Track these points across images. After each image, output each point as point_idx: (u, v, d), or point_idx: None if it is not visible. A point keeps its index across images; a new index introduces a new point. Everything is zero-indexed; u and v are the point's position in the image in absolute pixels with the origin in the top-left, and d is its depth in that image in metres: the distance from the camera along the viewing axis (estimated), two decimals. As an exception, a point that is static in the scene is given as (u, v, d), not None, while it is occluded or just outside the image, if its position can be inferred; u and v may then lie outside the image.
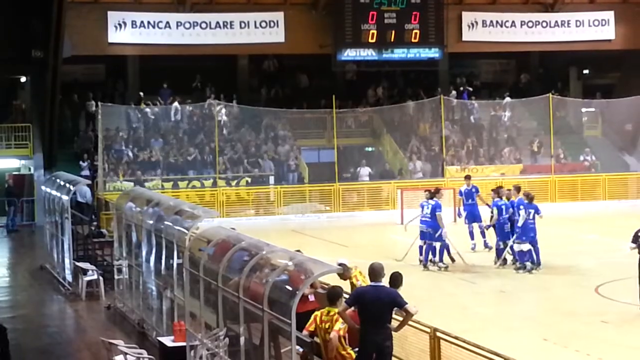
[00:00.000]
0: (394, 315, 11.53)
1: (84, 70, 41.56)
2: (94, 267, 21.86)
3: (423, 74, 44.40)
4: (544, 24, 42.30)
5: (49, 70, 34.81)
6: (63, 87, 37.45)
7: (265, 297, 10.98)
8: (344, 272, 13.39)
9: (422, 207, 23.51)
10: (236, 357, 12.03)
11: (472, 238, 25.60)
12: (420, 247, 23.31)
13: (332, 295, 11.68)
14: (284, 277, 11.43)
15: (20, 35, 34.46)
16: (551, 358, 15.12)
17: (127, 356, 13.52)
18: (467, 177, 27.53)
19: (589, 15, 42.68)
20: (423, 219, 23.22)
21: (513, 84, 46.05)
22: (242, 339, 11.88)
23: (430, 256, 23.06)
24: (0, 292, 23.18)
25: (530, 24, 42.19)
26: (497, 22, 41.89)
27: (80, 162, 36.17)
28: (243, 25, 39.30)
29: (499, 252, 23.26)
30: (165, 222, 16.13)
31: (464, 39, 41.51)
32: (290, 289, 11.06)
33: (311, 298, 12.98)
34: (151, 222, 16.85)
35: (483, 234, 25.43)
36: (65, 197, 22.60)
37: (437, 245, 22.96)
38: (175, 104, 39.42)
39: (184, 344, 13.64)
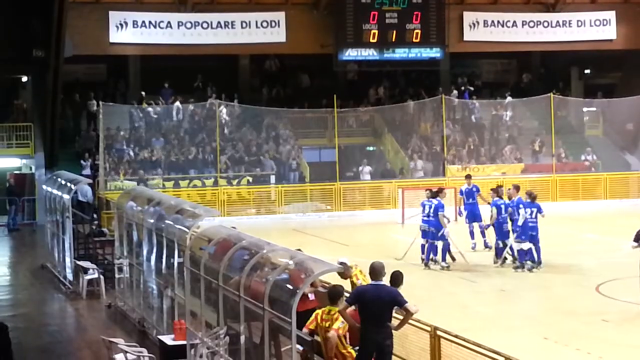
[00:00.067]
0: (394, 314, 11.54)
1: (86, 70, 41.59)
2: (94, 266, 21.88)
3: (424, 74, 44.40)
4: (546, 24, 42.29)
5: (50, 70, 34.83)
6: (64, 86, 37.47)
7: (265, 296, 10.99)
8: (345, 271, 13.40)
9: (423, 206, 23.54)
10: (236, 355, 12.04)
11: (473, 237, 25.60)
12: (422, 246, 23.34)
13: (332, 294, 11.70)
14: (284, 276, 11.44)
15: (22, 35, 34.48)
16: (551, 357, 15.12)
17: (128, 355, 13.53)
18: (468, 177, 27.56)
19: (591, 15, 42.67)
20: (425, 218, 23.24)
21: (514, 83, 46.05)
22: (242, 338, 11.89)
23: (431, 255, 23.09)
24: (1, 290, 23.21)
25: (531, 24, 42.18)
26: (498, 22, 41.88)
27: (82, 162, 36.25)
28: (244, 25, 39.31)
29: (498, 252, 23.26)
30: (166, 221, 16.14)
31: (465, 38, 41.51)
32: (290, 287, 11.07)
33: (311, 297, 12.98)
34: (152, 221, 16.86)
35: (483, 234, 25.42)
36: (66, 196, 22.61)
37: (439, 244, 22.97)
38: (177, 103, 39.45)
39: (184, 342, 13.65)
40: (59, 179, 24.40)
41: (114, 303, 19.85)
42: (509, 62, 47.32)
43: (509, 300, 20.18)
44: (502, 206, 23.10)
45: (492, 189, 24.34)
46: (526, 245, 22.27)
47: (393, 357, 11.68)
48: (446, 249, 23.03)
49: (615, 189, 38.33)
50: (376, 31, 39.52)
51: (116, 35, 38.21)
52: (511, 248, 22.82)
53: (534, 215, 22.26)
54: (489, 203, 24.36)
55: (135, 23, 38.33)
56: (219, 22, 39.07)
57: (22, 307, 21.03)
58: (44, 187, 26.53)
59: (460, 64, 45.03)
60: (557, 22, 42.34)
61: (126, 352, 13.56)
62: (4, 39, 34.58)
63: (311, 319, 11.80)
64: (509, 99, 42.28)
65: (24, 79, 38.78)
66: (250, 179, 37.11)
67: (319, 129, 40.22)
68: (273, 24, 39.57)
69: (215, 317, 12.86)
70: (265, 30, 39.58)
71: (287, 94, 42.53)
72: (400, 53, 40.29)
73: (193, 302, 13.64)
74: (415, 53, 40.40)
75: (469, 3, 41.79)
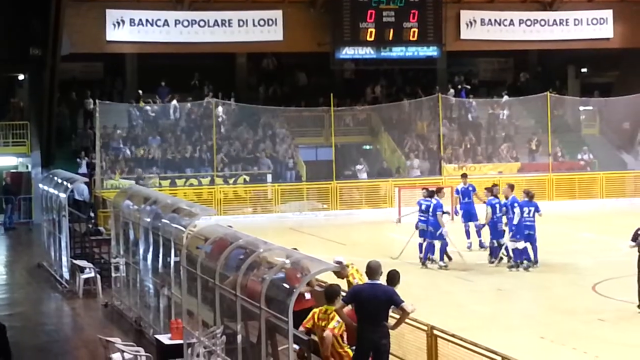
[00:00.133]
0: (391, 313, 11.54)
1: (82, 68, 41.55)
2: (91, 265, 21.86)
3: (421, 73, 44.41)
4: (542, 23, 42.28)
5: (47, 68, 34.79)
6: (61, 85, 37.45)
7: (262, 295, 10.99)
8: (341, 270, 13.39)
9: (420, 205, 23.53)
10: (233, 355, 12.03)
11: (468, 237, 25.57)
12: (420, 245, 23.34)
13: (329, 294, 11.70)
14: (280, 275, 11.44)
15: (19, 33, 34.43)
16: (548, 356, 15.12)
17: (124, 354, 13.53)
18: (464, 176, 27.55)
19: (588, 13, 42.67)
20: (422, 217, 23.23)
21: (511, 82, 46.07)
22: (239, 337, 11.88)
23: (429, 255, 23.09)
24: (-2, 290, 23.22)
25: (528, 23, 42.18)
26: (495, 20, 41.88)
27: (78, 160, 36.19)
28: (241, 23, 39.28)
29: (493, 251, 23.26)
30: (163, 220, 16.13)
31: (462, 37, 41.49)
32: (287, 287, 11.06)
33: (307, 296, 12.98)
34: (148, 219, 16.85)
35: (479, 233, 25.41)
36: (62, 195, 22.60)
37: (437, 243, 22.97)
38: (174, 102, 39.44)
39: (181, 341, 13.64)
40: (56, 178, 24.37)
41: (111, 302, 19.83)
42: (506, 60, 47.34)
43: (506, 299, 20.20)
44: (497, 205, 23.09)
45: (486, 188, 24.33)
46: (521, 245, 22.28)
47: (390, 356, 11.67)
48: (444, 248, 23.02)
49: (612, 188, 38.37)
50: (373, 29, 39.50)
51: (113, 34, 38.15)
52: (506, 247, 22.82)
53: (531, 214, 22.27)
54: (484, 202, 24.38)
55: (132, 21, 38.29)
56: (216, 21, 39.03)
57: (18, 306, 21.01)
58: (41, 185, 26.52)
59: (457, 62, 45.05)
60: (554, 20, 42.33)
61: (123, 351, 13.56)
62: (1, 38, 34.54)
63: (308, 317, 11.81)
64: (505, 97, 42.30)
65: (21, 77, 38.77)
66: (247, 178, 37.12)
67: (316, 127, 40.24)
68: (270, 22, 39.54)
69: (212, 316, 12.85)
70: (263, 28, 39.54)
71: (284, 93, 42.53)
72: (397, 51, 40.28)
73: (190, 301, 13.62)
74: (412, 51, 40.38)
75: (466, 2, 41.78)
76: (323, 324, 11.56)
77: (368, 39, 39.51)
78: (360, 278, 13.20)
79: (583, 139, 42.53)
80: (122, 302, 19.24)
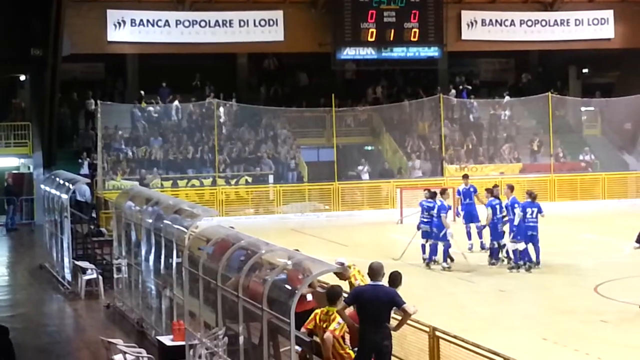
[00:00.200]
0: (393, 315, 11.53)
1: (84, 69, 41.54)
2: (93, 266, 21.86)
3: (422, 73, 44.40)
4: (543, 23, 42.28)
5: (49, 69, 34.82)
6: (62, 85, 37.47)
7: (264, 297, 10.98)
8: (343, 272, 13.38)
9: (422, 206, 23.51)
10: (235, 356, 12.03)
11: (470, 238, 25.55)
12: (422, 246, 23.33)
13: (331, 295, 11.70)
14: (282, 277, 11.43)
15: (20, 34, 34.45)
16: (550, 357, 15.13)
17: (126, 355, 13.53)
18: (465, 177, 27.48)
19: (588, 14, 42.67)
20: (425, 218, 23.20)
21: (512, 83, 46.06)
22: (241, 338, 11.89)
23: (433, 256, 23.07)
24: (0, 291, 23.18)
25: (529, 23, 42.17)
26: (496, 21, 41.88)
27: (80, 161, 36.18)
28: (242, 23, 39.29)
29: (493, 252, 23.24)
30: (165, 221, 16.13)
31: (463, 37, 41.49)
32: (289, 288, 11.06)
33: (309, 298, 12.98)
34: (150, 221, 16.85)
35: (480, 235, 25.37)
36: (64, 196, 22.60)
37: (440, 245, 22.94)
38: (176, 102, 39.44)
39: (183, 343, 13.65)
40: (57, 179, 24.38)
41: (113, 303, 19.84)
42: (507, 61, 47.32)
43: (508, 300, 20.19)
44: (497, 206, 23.07)
45: (486, 189, 24.30)
46: (521, 246, 22.25)
47: (392, 357, 11.67)
48: (447, 249, 23.00)
49: (614, 188, 38.32)
50: (374, 30, 39.50)
51: (114, 34, 38.16)
52: (505, 248, 22.80)
53: (534, 215, 22.24)
54: (483, 204, 24.34)
55: (133, 21, 38.30)
56: (217, 21, 39.04)
57: (20, 307, 21.01)
58: (42, 186, 26.52)
59: (458, 63, 45.03)
60: (555, 21, 42.33)
61: (125, 352, 13.56)
62: (2, 38, 34.56)
63: (310, 318, 11.81)
64: (507, 98, 42.28)
65: (22, 77, 38.77)
66: (249, 179, 37.10)
67: (317, 128, 40.24)
68: (271, 22, 39.55)
69: (214, 318, 12.85)
70: (264, 29, 39.55)
71: (285, 93, 42.53)
72: (398, 52, 40.28)
73: (192, 303, 13.63)
74: (413, 52, 40.38)
75: (467, 2, 41.79)
76: (324, 325, 11.56)
77: (369, 39, 39.51)
78: (362, 279, 13.19)
79: (585, 140, 42.50)
80: (124, 304, 19.24)
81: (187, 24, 38.77)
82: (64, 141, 37.72)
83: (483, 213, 24.44)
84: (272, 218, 34.90)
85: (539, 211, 22.36)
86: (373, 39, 39.55)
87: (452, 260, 23.23)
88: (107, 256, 22.95)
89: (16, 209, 34.81)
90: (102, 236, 25.23)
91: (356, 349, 11.59)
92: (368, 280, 11.86)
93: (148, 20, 38.47)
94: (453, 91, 42.07)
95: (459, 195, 26.89)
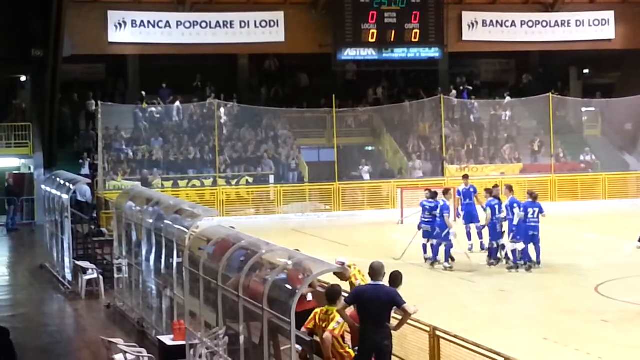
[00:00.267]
0: (393, 314, 11.53)
1: (84, 70, 41.54)
2: (93, 266, 21.87)
3: (423, 74, 44.40)
4: (544, 24, 42.29)
5: (49, 70, 34.83)
6: (63, 86, 37.48)
7: (264, 296, 10.99)
8: (343, 272, 13.37)
9: (423, 206, 23.51)
10: (236, 356, 12.04)
11: (470, 238, 25.53)
12: (424, 246, 23.33)
13: (331, 295, 11.70)
14: (282, 276, 11.44)
15: (20, 35, 34.47)
16: (551, 357, 15.12)
17: (127, 355, 13.53)
18: (465, 177, 27.46)
19: (589, 15, 42.67)
20: (426, 219, 23.20)
21: (513, 83, 46.06)
22: (241, 338, 11.89)
23: (437, 256, 23.07)
24: (0, 291, 23.19)
25: (530, 24, 42.18)
26: (497, 21, 41.88)
27: (80, 161, 36.20)
28: (243, 24, 39.30)
29: (492, 252, 23.24)
30: (165, 221, 16.14)
31: (464, 38, 41.50)
32: (289, 288, 11.06)
33: (309, 298, 12.98)
34: (151, 221, 16.85)
35: (480, 235, 25.36)
36: (65, 196, 22.60)
37: (443, 244, 22.94)
38: (177, 103, 39.45)
39: (183, 342, 13.65)
40: (58, 179, 24.39)
41: (113, 303, 19.84)
42: (508, 62, 47.32)
43: (508, 300, 20.19)
44: (496, 207, 23.06)
45: (486, 189, 24.31)
46: (520, 246, 22.25)
47: (392, 357, 11.67)
48: (449, 249, 23.00)
49: (614, 189, 38.34)
50: (375, 31, 39.50)
51: (115, 35, 38.17)
52: (504, 248, 22.79)
53: (535, 215, 22.24)
54: (481, 206, 24.31)
55: (134, 22, 38.30)
56: (217, 22, 39.04)
57: (21, 307, 21.02)
58: (43, 187, 26.52)
59: (459, 63, 45.03)
60: (556, 22, 42.34)
61: (125, 352, 13.56)
62: (2, 39, 34.58)
63: (310, 318, 11.82)
64: (507, 99, 42.28)
65: (23, 78, 38.78)
66: (249, 179, 37.12)
67: (318, 128, 40.23)
68: (272, 23, 39.56)
69: (214, 317, 12.86)
70: (264, 30, 39.56)
71: (286, 94, 42.54)
72: (399, 53, 40.29)
73: (192, 303, 13.63)
74: (414, 53, 40.39)
75: (468, 3, 41.79)
76: (324, 324, 11.57)
77: (370, 40, 39.52)
78: (362, 279, 13.18)
79: (585, 140, 42.50)
80: (125, 303, 19.24)
81: (187, 25, 38.79)
82: (64, 142, 37.74)
83: (483, 213, 24.46)
84: (273, 218, 34.92)
85: (540, 211, 22.36)
86: (374, 40, 39.56)
87: (453, 260, 23.23)
88: (108, 256, 22.97)
89: (17, 209, 34.82)
90: (102, 236, 25.24)
91: (357, 348, 11.60)
92: (369, 280, 11.86)
93: (149, 21, 38.48)
94: (454, 92, 42.06)
95: (459, 196, 26.88)
